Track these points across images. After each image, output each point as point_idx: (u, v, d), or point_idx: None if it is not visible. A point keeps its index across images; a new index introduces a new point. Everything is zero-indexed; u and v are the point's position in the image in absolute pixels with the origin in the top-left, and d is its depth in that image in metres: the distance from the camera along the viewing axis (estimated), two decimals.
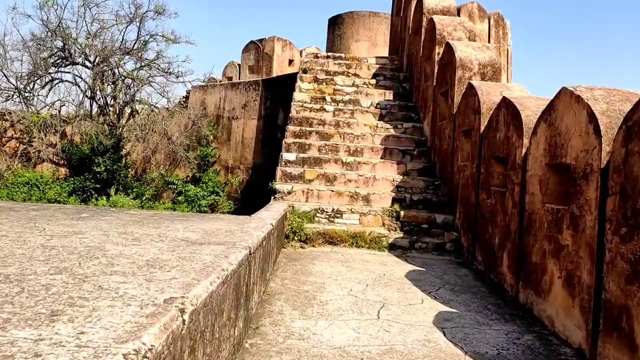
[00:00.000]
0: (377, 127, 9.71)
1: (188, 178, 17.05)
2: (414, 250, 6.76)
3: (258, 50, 20.43)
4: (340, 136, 9.24)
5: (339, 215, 7.26)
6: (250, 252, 3.53)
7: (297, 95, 10.50)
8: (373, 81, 11.36)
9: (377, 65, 12.07)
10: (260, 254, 4.16)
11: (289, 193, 7.68)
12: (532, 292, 4.38)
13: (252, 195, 14.16)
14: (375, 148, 8.88)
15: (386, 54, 14.69)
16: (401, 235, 7.00)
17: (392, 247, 6.74)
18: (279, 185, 7.80)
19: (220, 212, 13.27)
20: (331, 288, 4.76)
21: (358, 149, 8.86)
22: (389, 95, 10.81)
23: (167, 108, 17.35)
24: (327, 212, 7.28)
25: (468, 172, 6.61)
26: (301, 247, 6.53)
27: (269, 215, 5.66)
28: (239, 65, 21.47)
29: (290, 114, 9.78)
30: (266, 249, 4.57)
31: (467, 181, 6.65)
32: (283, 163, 8.43)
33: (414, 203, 7.58)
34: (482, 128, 6.15)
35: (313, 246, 6.61)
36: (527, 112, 4.98)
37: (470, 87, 6.64)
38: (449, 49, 7.84)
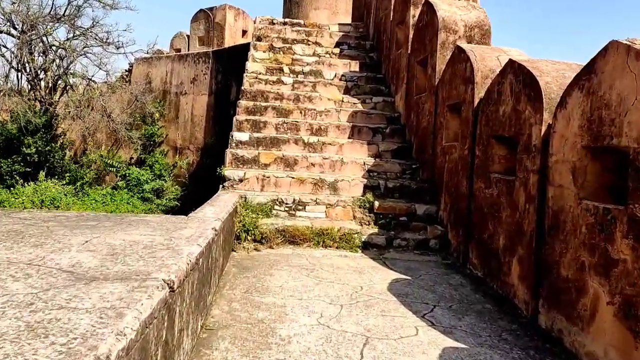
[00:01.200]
0: (342, 101, 8.48)
1: (132, 160, 15.40)
2: (392, 250, 5.64)
3: (208, 20, 18.72)
4: (301, 112, 7.98)
5: (301, 208, 6.05)
6: (172, 288, 2.29)
7: (250, 65, 9.12)
8: (336, 50, 10.08)
9: (340, 33, 10.79)
10: (195, 278, 2.91)
11: (241, 181, 6.40)
12: (561, 316, 3.32)
13: (203, 179, 12.74)
14: (341, 126, 7.67)
15: (349, 22, 13.40)
16: (376, 230, 5.86)
17: (367, 246, 5.59)
18: (229, 171, 6.49)
19: (166, 199, 11.84)
20: (295, 314, 3.56)
21: (322, 127, 7.63)
22: (355, 66, 9.58)
23: (107, 82, 15.55)
24: (286, 203, 6.05)
25: (457, 154, 5.51)
26: (256, 249, 5.29)
27: (214, 213, 4.39)
28: (187, 36, 19.70)
29: (243, 87, 8.42)
30: (206, 266, 3.32)
31: (455, 165, 5.54)
32: (234, 144, 7.11)
33: (389, 191, 6.45)
34: (476, 101, 5.03)
35: (270, 247, 5.38)
36: (545, 79, 3.87)
37: (460, 51, 5.49)
38: (429, 8, 6.65)
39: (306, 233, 5.51)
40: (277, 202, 6.05)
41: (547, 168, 3.61)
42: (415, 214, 6.08)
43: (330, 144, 7.26)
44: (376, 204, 6.06)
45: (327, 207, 6.08)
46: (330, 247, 5.50)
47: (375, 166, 6.85)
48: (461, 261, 5.16)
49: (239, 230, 5.34)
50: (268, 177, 6.42)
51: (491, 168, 4.65)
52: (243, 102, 7.99)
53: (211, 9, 18.59)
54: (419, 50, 7.11)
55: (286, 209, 6.03)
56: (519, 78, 4.16)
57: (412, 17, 7.60)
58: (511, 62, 4.33)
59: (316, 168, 6.82)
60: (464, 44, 5.60)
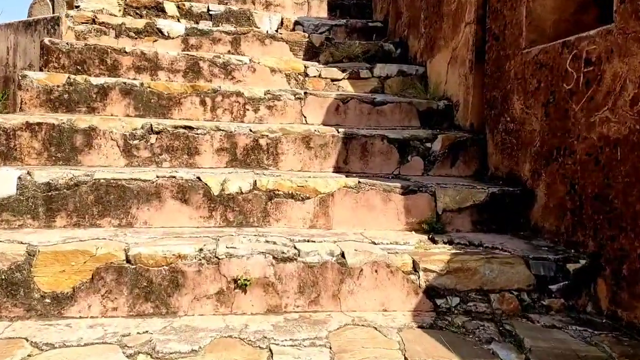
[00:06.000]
0: (306, 75, 3.59)
1: None
2: None
3: None
4: (203, 102, 3.03)
5: None
6: None
7: None
8: None
9: None
10: None
11: None
12: None
13: None
14: (312, 136, 2.78)
15: None
16: None
17: None
18: None
19: None
20: None
21: (259, 140, 2.71)
22: (319, 7, 4.72)
23: None
24: None
25: None
26: None
27: None
28: (52, 1, 13.90)
29: (48, 40, 3.31)
30: None
31: None
32: None
33: None
34: None
35: None
36: None
37: None
38: None
39: None
40: None
41: None
42: None
43: (287, 194, 2.35)
44: None
45: None
46: None
47: (444, 277, 2.01)
48: None
49: None
50: None
51: None
52: (39, 78, 2.90)
53: None
54: None
55: None
56: None
57: None
58: None
59: (253, 298, 1.91)
60: None
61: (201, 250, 1.90)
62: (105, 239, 1.99)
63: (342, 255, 1.96)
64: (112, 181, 2.23)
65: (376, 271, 1.95)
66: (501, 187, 2.47)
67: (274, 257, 1.91)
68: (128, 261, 1.84)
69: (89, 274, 1.82)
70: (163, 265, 1.85)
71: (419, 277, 1.97)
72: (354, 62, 3.95)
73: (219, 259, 1.88)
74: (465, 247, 2.18)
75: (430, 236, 2.30)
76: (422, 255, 2.05)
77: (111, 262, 1.83)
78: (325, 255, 1.94)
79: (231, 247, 1.92)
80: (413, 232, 2.36)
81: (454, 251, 2.10)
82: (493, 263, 2.01)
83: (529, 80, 2.47)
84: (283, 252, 1.93)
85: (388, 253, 2.00)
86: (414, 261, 1.99)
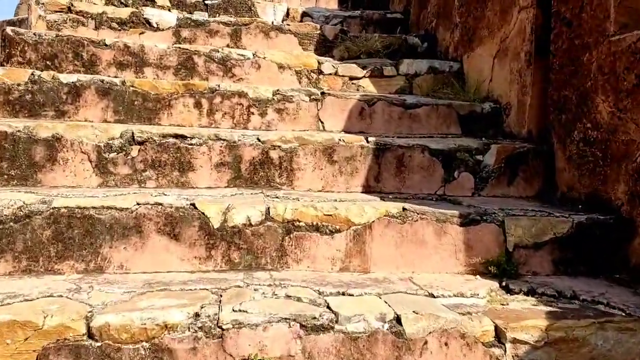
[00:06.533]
0: (320, 73, 3.03)
1: None
2: None
3: None
4: (198, 104, 2.46)
5: None
6: None
7: None
8: None
9: None
10: None
11: None
12: None
13: None
14: (336, 147, 2.22)
15: None
16: None
17: None
18: None
19: None
20: None
21: (272, 155, 2.15)
22: None
23: None
24: None
25: None
26: None
27: None
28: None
29: (20, 33, 2.73)
30: None
31: None
32: None
33: None
34: None
35: None
36: None
37: None
38: None
39: None
40: None
41: None
42: None
43: (311, 226, 1.78)
44: None
45: None
46: None
47: (542, 346, 1.45)
48: None
49: None
50: None
51: None
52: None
53: None
54: None
55: None
56: None
57: None
58: None
59: None
60: None
61: (197, 315, 1.32)
62: (62, 296, 1.42)
63: (398, 320, 1.39)
64: (76, 210, 1.66)
65: (446, 344, 1.38)
66: (588, 215, 1.91)
67: (301, 326, 1.34)
68: (91, 336, 1.26)
69: (33, 356, 1.24)
70: (142, 342, 1.27)
71: (505, 352, 1.40)
72: (374, 57, 3.39)
73: (222, 329, 1.31)
74: (554, 301, 1.61)
75: (502, 283, 1.72)
76: (504, 317, 1.47)
77: (65, 339, 1.25)
78: (374, 321, 1.37)
79: (240, 311, 1.35)
80: (478, 276, 1.79)
81: (544, 308, 1.53)
82: (607, 330, 1.44)
83: (622, 76, 1.91)
84: (314, 318, 1.35)
85: (459, 315, 1.43)
86: (496, 328, 1.42)
